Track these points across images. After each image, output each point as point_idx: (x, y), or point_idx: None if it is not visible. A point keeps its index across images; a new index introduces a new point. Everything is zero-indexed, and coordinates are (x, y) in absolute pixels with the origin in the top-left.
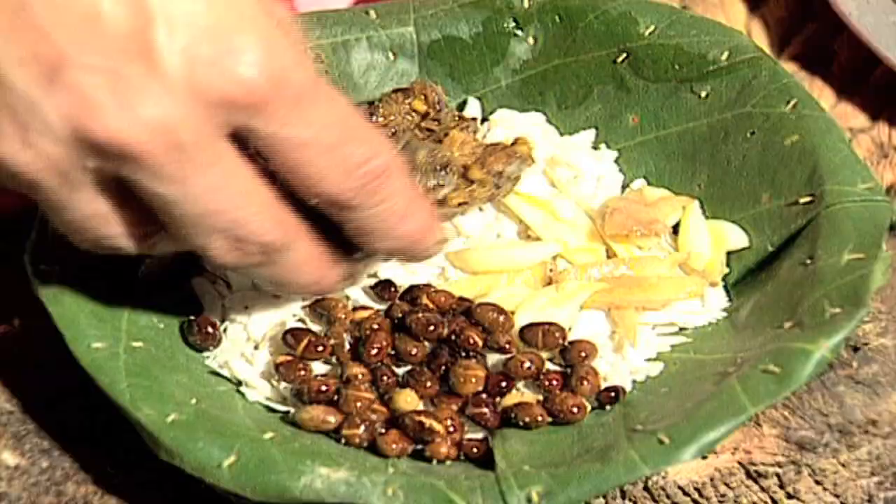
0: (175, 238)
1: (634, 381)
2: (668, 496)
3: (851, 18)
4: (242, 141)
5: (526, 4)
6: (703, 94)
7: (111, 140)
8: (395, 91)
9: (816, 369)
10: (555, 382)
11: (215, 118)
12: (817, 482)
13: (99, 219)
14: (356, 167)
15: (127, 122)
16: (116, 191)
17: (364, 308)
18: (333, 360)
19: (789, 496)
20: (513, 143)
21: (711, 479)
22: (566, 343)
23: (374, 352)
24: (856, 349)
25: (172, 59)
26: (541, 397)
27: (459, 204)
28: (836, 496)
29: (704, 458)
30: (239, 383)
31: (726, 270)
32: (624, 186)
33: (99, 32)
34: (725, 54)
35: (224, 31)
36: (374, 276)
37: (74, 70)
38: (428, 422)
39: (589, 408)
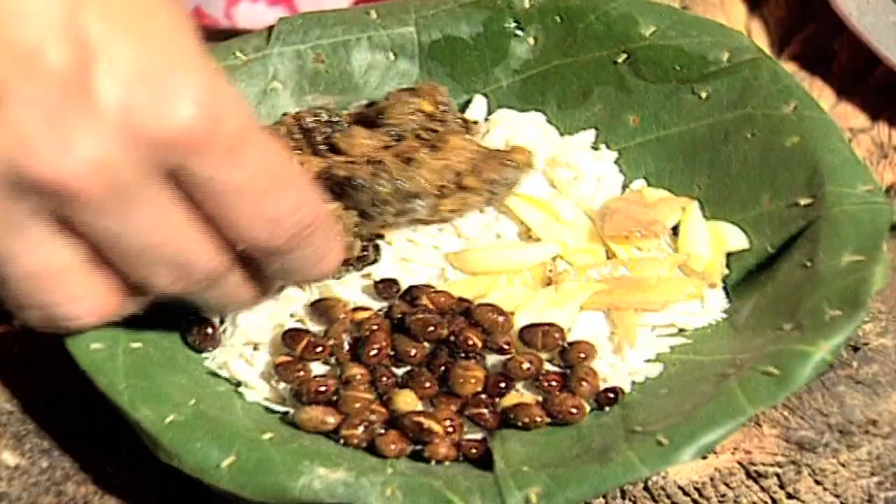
0: (122, 272)
1: (634, 383)
2: (668, 496)
3: (851, 18)
4: (178, 180)
5: (527, 4)
6: (704, 94)
7: (47, 177)
8: (402, 90)
9: (816, 371)
10: (554, 383)
11: (151, 158)
12: (817, 482)
13: (45, 277)
14: (285, 217)
15: (63, 159)
16: (62, 240)
17: (364, 308)
18: (332, 360)
19: (789, 496)
20: (510, 150)
21: (711, 479)
22: (565, 344)
23: (373, 352)
24: (856, 349)
25: (110, 99)
26: (540, 398)
27: (451, 210)
28: (836, 496)
29: (704, 458)
30: (238, 384)
31: (726, 272)
32: (624, 187)
33: (40, 69)
34: (726, 55)
35: (163, 73)
36: (371, 275)
37: (14, 104)
38: (427, 422)
39: (588, 409)
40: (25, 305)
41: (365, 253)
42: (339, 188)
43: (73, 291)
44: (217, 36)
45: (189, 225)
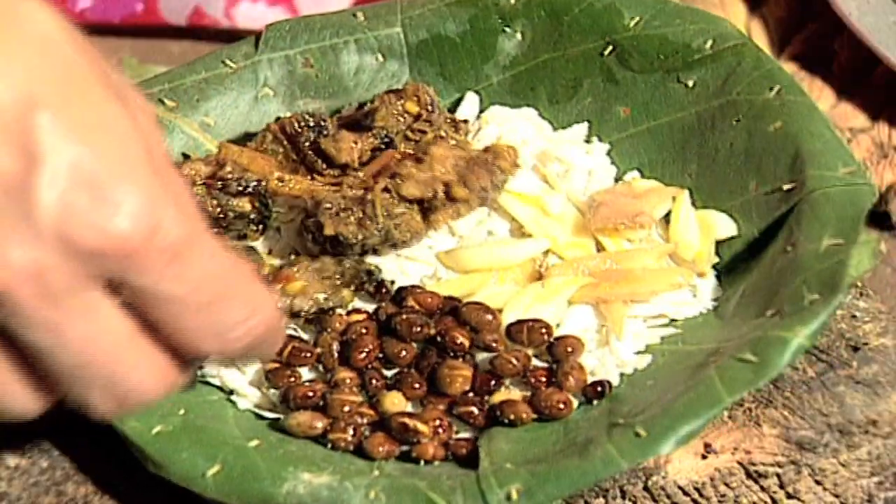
0: (56, 390)
1: (622, 375)
2: (668, 496)
3: (851, 18)
4: (121, 290)
5: (512, 0)
6: (690, 83)
7: None
8: (388, 92)
9: (793, 357)
10: (541, 379)
11: (87, 267)
12: (817, 482)
13: None
14: (235, 327)
15: None
16: None
17: (357, 311)
18: (320, 367)
19: (789, 496)
20: (496, 154)
21: (711, 479)
22: (552, 339)
23: (361, 356)
24: (856, 349)
25: (48, 205)
26: (528, 394)
27: (444, 222)
28: (836, 496)
29: (704, 457)
30: (230, 392)
31: (716, 260)
32: (617, 179)
33: None
34: (710, 42)
35: (104, 181)
36: (371, 279)
37: None
38: (413, 423)
39: (575, 403)
40: None
41: (363, 282)
42: (326, 242)
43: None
44: (217, 36)
45: (127, 344)
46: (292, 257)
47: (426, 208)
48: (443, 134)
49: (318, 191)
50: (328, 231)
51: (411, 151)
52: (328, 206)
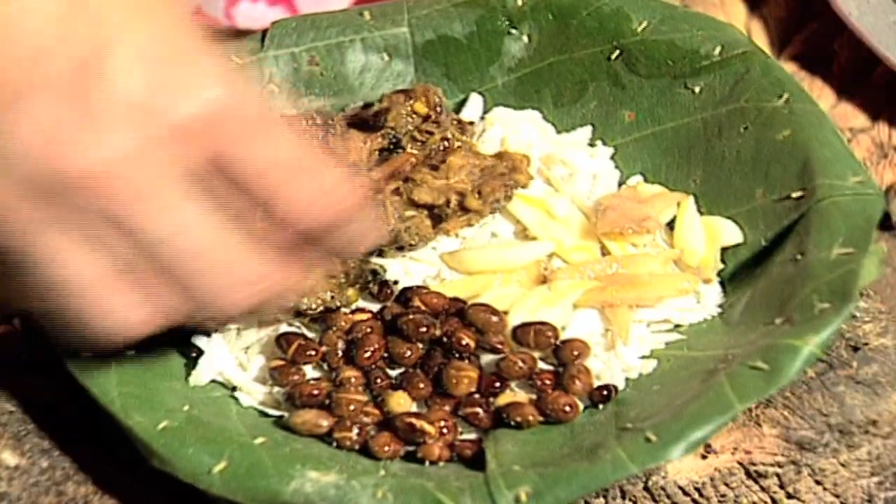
0: (164, 282)
1: (628, 379)
2: (668, 496)
3: (851, 18)
4: (217, 170)
5: (519, 3)
6: (697, 89)
7: (79, 173)
8: (397, 92)
9: (804, 365)
10: (547, 382)
11: (183, 147)
12: (817, 482)
13: (77, 286)
14: (322, 196)
15: (95, 154)
16: (97, 247)
17: (362, 311)
18: (325, 366)
19: (789, 496)
20: (512, 168)
21: (711, 479)
22: (558, 342)
23: (366, 355)
24: (856, 349)
25: (135, 87)
26: (534, 397)
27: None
28: (836, 496)
29: (704, 457)
30: (233, 389)
31: (721, 266)
32: (621, 183)
33: (55, 62)
34: (718, 49)
35: (183, 60)
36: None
37: (34, 102)
38: (419, 423)
39: (581, 407)
40: (62, 319)
41: (368, 282)
42: None
43: (106, 303)
44: (217, 36)
45: (222, 237)
46: None
47: (437, 215)
48: (449, 136)
49: None
50: None
51: (427, 157)
52: None
